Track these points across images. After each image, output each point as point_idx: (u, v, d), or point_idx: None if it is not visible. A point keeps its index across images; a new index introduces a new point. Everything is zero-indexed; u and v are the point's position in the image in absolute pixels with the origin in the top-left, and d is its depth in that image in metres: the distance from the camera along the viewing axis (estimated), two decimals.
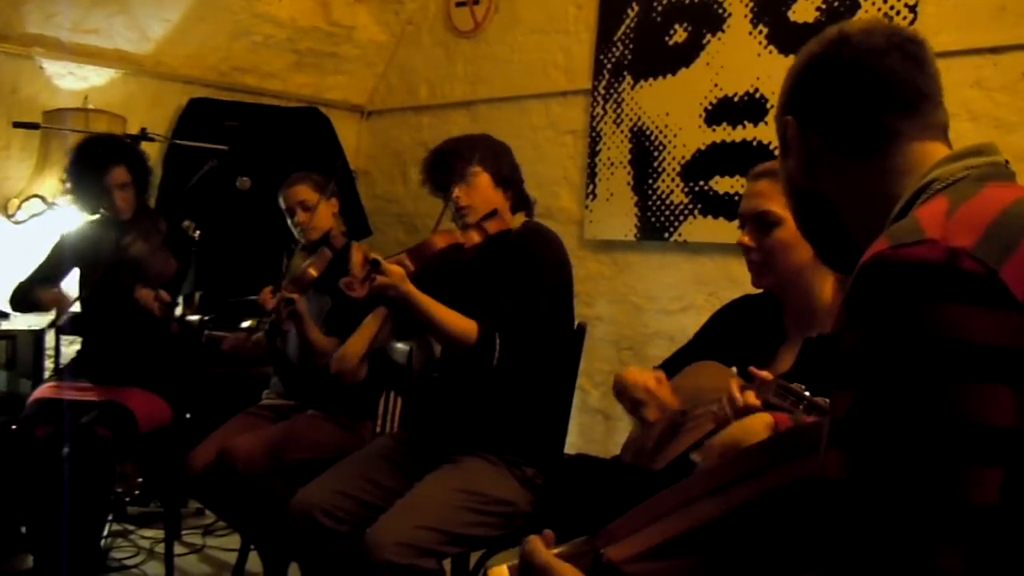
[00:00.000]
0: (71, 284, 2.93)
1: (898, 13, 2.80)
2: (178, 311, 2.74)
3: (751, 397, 1.48)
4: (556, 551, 1.04)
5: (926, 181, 0.91)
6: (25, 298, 2.85)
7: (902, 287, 0.76)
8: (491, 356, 2.10)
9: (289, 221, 2.84)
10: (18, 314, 3.00)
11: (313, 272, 2.68)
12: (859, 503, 0.75)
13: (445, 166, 2.30)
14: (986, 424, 0.73)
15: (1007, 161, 0.94)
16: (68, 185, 2.84)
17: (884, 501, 0.74)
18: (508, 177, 2.34)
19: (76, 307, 2.82)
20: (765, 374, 1.49)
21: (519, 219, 2.39)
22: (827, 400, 1.31)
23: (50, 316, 2.95)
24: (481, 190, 2.29)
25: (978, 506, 0.73)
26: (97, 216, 2.90)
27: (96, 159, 2.76)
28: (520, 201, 2.39)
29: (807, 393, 1.38)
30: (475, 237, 2.24)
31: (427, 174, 2.35)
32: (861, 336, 0.78)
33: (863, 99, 0.97)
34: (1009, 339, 0.73)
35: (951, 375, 0.73)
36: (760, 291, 1.90)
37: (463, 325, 2.11)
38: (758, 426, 1.42)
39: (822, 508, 0.79)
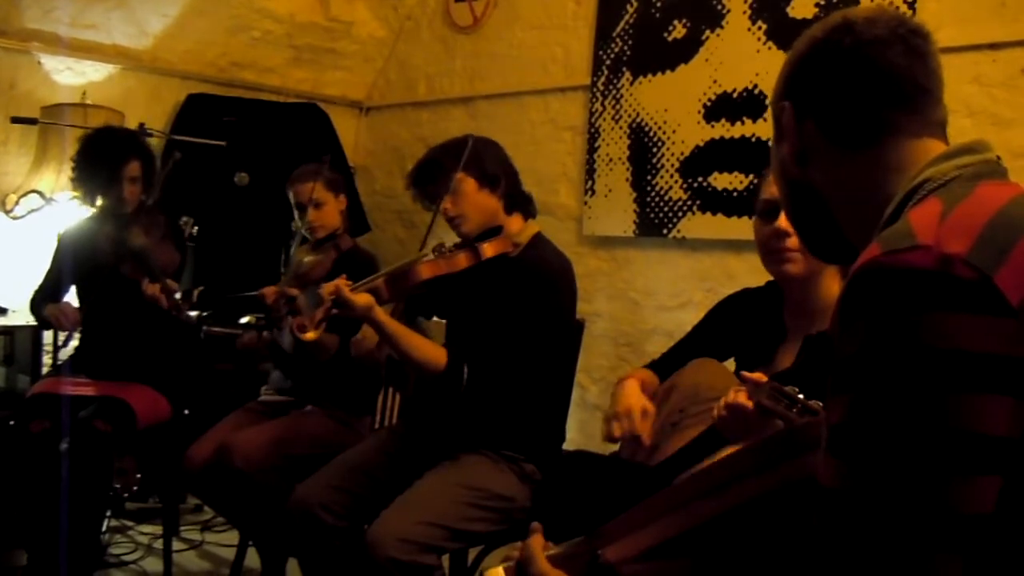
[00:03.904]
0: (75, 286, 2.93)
1: (897, 9, 2.80)
2: (176, 297, 2.72)
3: (743, 399, 1.46)
4: (553, 552, 1.04)
5: (919, 181, 0.89)
6: (38, 313, 2.86)
7: (895, 295, 0.75)
8: (459, 384, 2.11)
9: (297, 216, 2.83)
10: (16, 310, 3.01)
11: (317, 272, 2.69)
12: (853, 512, 0.75)
13: (428, 179, 2.24)
14: (980, 433, 0.72)
15: (999, 157, 0.93)
16: (76, 171, 2.83)
17: (878, 511, 0.74)
18: (494, 175, 2.23)
19: (75, 341, 2.82)
20: (758, 376, 1.48)
21: (524, 230, 2.29)
22: (820, 403, 1.31)
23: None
24: (468, 196, 2.20)
25: (972, 516, 0.72)
26: (94, 211, 2.89)
27: (115, 149, 2.78)
28: (514, 199, 2.28)
29: (801, 396, 1.37)
30: (462, 262, 2.16)
31: (414, 190, 2.30)
32: (855, 344, 0.77)
33: (863, 90, 0.94)
34: (1005, 346, 0.72)
35: (945, 384, 0.72)
36: (760, 284, 1.89)
37: (432, 354, 2.13)
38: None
39: (815, 516, 0.78)
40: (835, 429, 0.78)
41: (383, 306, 2.14)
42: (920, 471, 0.72)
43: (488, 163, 2.24)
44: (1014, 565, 0.75)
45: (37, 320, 2.93)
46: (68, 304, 2.77)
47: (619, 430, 1.76)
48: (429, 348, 2.14)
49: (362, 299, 2.07)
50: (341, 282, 2.12)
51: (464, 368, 2.11)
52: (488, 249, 2.17)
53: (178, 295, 2.64)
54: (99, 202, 2.86)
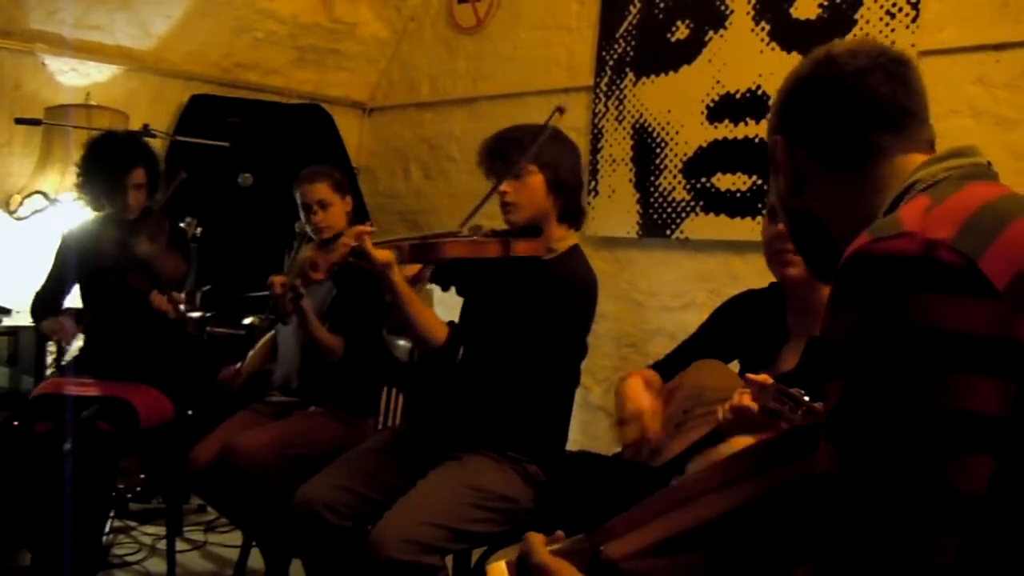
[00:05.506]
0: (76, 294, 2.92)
1: (900, 10, 2.79)
2: (182, 308, 2.73)
3: (747, 401, 1.46)
4: (555, 548, 1.04)
5: (909, 183, 0.93)
6: (39, 320, 2.85)
7: (882, 279, 0.77)
8: (453, 359, 2.15)
9: (303, 216, 2.84)
10: (20, 311, 3.01)
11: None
12: (850, 495, 0.76)
13: (502, 155, 2.19)
14: (969, 412, 0.73)
15: (989, 163, 0.95)
16: (80, 177, 2.83)
17: (874, 492, 0.75)
18: (565, 184, 2.19)
19: (79, 342, 2.81)
20: (764, 377, 1.48)
21: (564, 239, 2.26)
22: None
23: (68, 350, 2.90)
24: (532, 190, 2.16)
25: (966, 495, 0.74)
26: (99, 214, 2.90)
27: (120, 156, 2.76)
28: (570, 212, 2.25)
29: (807, 398, 1.37)
30: (490, 251, 2.14)
31: (483, 157, 2.25)
32: (845, 329, 0.79)
33: (848, 116, 0.99)
34: (990, 328, 0.74)
35: (931, 365, 0.74)
36: (764, 286, 1.89)
37: (435, 328, 2.17)
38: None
39: (816, 500, 0.80)
40: (830, 414, 0.80)
41: (401, 266, 2.11)
42: (912, 450, 0.74)
43: (563, 169, 2.21)
44: (1008, 548, 0.76)
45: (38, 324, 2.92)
46: (66, 318, 2.74)
47: (632, 435, 1.76)
48: (434, 321, 2.18)
49: (382, 255, 2.04)
50: (364, 228, 2.10)
51: (460, 348, 2.15)
52: (519, 247, 2.16)
53: (183, 306, 2.64)
54: (105, 207, 2.86)
